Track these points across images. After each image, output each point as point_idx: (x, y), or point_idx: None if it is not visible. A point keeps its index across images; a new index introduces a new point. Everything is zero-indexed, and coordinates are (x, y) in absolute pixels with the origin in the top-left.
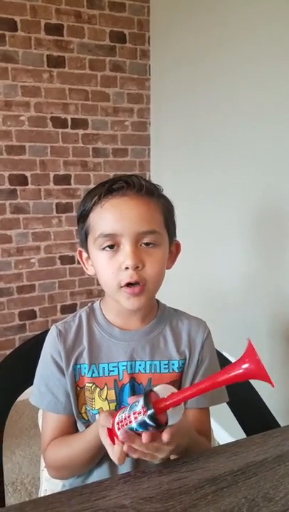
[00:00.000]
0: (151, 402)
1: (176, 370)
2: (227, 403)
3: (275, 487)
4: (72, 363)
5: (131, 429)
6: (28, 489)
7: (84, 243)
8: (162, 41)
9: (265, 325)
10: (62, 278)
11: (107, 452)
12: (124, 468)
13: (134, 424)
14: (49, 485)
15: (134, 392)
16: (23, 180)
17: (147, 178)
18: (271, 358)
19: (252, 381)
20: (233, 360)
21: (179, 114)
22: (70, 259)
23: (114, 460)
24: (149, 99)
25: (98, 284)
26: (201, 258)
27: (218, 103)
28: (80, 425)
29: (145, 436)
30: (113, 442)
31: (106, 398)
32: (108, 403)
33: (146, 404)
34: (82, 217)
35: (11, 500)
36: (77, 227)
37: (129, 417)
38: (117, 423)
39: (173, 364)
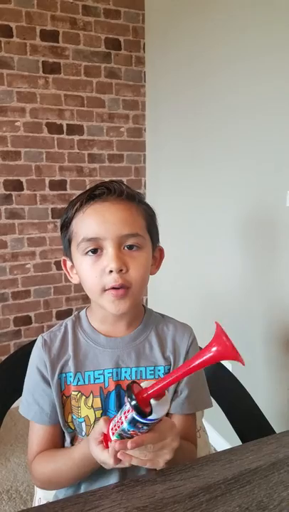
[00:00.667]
0: (133, 393)
1: (162, 376)
2: (223, 410)
3: (269, 495)
4: (57, 372)
5: (123, 430)
6: (23, 497)
7: (68, 250)
8: (157, 48)
9: (261, 328)
10: (58, 283)
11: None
12: (113, 479)
13: (125, 424)
14: (43, 493)
15: (120, 399)
16: (18, 186)
17: (143, 184)
18: (267, 362)
19: (246, 386)
20: (229, 366)
21: (174, 120)
22: None
23: (109, 461)
24: (144, 106)
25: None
26: (197, 262)
27: (213, 108)
28: (66, 435)
29: (130, 443)
30: (107, 447)
31: (92, 406)
32: (94, 411)
33: (129, 395)
34: (65, 225)
35: (5, 508)
36: (60, 235)
37: (120, 418)
38: (111, 428)
39: (159, 370)
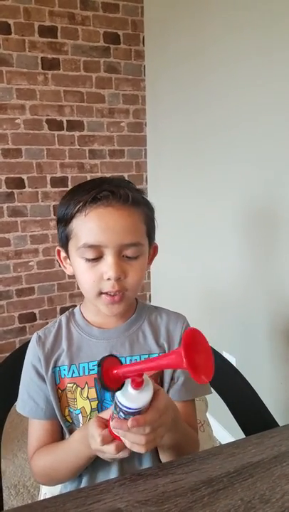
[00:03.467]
0: (102, 366)
1: None
2: (226, 403)
3: (272, 488)
4: (51, 366)
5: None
6: (30, 492)
7: (64, 244)
8: (157, 41)
9: (264, 323)
10: (61, 280)
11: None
12: (113, 473)
13: (112, 409)
14: (49, 488)
15: None
16: (20, 183)
17: (144, 179)
18: (269, 355)
19: (250, 380)
20: (233, 360)
21: (174, 113)
22: None
23: (97, 439)
24: (144, 100)
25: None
26: (199, 256)
27: (213, 102)
28: (65, 429)
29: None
30: (114, 436)
31: (87, 397)
32: (89, 402)
33: (98, 368)
34: (64, 221)
35: (13, 502)
36: (56, 226)
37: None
38: (109, 417)
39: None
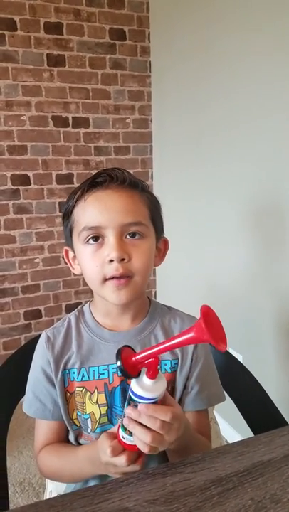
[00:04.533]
0: (122, 356)
1: (169, 371)
2: (234, 401)
3: (283, 488)
4: (61, 369)
5: (124, 415)
6: (35, 489)
7: (69, 240)
8: (162, 37)
9: (270, 320)
10: (67, 277)
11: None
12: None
13: (124, 409)
14: (55, 486)
15: (125, 394)
16: (25, 180)
17: (150, 176)
18: (276, 353)
19: (257, 378)
20: (240, 357)
21: (180, 110)
22: None
23: (106, 451)
24: (150, 96)
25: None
26: (203, 254)
27: (219, 98)
28: (71, 433)
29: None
30: (124, 446)
31: (96, 402)
32: (99, 407)
33: (117, 357)
34: (67, 215)
35: (19, 500)
36: (62, 226)
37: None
38: (118, 428)
39: (165, 364)
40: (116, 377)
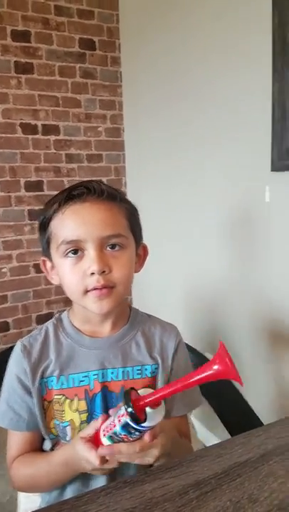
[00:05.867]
0: (131, 400)
1: (149, 375)
2: (210, 404)
3: (260, 487)
4: (38, 378)
5: (114, 433)
6: (6, 508)
7: (46, 251)
8: (133, 48)
9: (247, 322)
10: (37, 287)
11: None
12: (100, 482)
13: (117, 428)
14: (28, 503)
15: (106, 401)
16: None
17: (123, 184)
18: (252, 356)
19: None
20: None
21: (152, 119)
22: None
23: (95, 461)
24: (121, 106)
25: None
26: (180, 259)
27: (191, 106)
28: (47, 442)
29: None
30: (97, 447)
31: (77, 409)
32: (79, 414)
33: (126, 402)
34: (43, 226)
35: None
36: (38, 236)
37: (114, 421)
38: (103, 429)
39: (146, 369)
40: (97, 383)
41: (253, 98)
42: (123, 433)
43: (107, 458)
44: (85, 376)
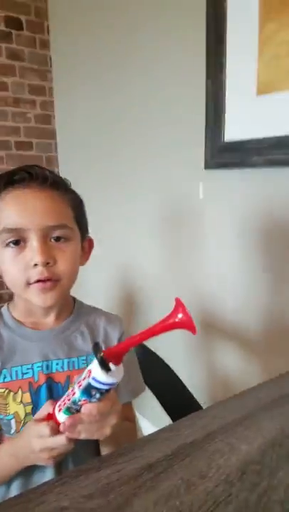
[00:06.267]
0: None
1: None
2: (154, 393)
3: (208, 464)
4: None
5: (74, 402)
6: None
7: None
8: (62, 32)
9: None
10: None
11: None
12: (48, 476)
13: (77, 394)
14: None
15: (51, 392)
16: None
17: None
18: (185, 345)
19: (171, 365)
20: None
21: (85, 107)
22: None
23: (45, 430)
24: (51, 92)
25: (8, 288)
26: (116, 255)
27: (126, 95)
28: None
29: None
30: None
31: (21, 401)
32: (24, 406)
33: (98, 351)
34: None
35: None
36: None
37: (71, 391)
38: (58, 405)
39: (91, 359)
40: (41, 375)
41: (186, 97)
42: (83, 398)
43: (69, 435)
44: (29, 368)
